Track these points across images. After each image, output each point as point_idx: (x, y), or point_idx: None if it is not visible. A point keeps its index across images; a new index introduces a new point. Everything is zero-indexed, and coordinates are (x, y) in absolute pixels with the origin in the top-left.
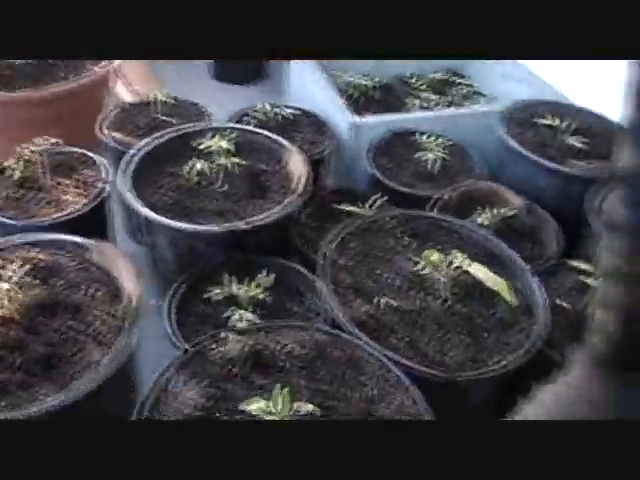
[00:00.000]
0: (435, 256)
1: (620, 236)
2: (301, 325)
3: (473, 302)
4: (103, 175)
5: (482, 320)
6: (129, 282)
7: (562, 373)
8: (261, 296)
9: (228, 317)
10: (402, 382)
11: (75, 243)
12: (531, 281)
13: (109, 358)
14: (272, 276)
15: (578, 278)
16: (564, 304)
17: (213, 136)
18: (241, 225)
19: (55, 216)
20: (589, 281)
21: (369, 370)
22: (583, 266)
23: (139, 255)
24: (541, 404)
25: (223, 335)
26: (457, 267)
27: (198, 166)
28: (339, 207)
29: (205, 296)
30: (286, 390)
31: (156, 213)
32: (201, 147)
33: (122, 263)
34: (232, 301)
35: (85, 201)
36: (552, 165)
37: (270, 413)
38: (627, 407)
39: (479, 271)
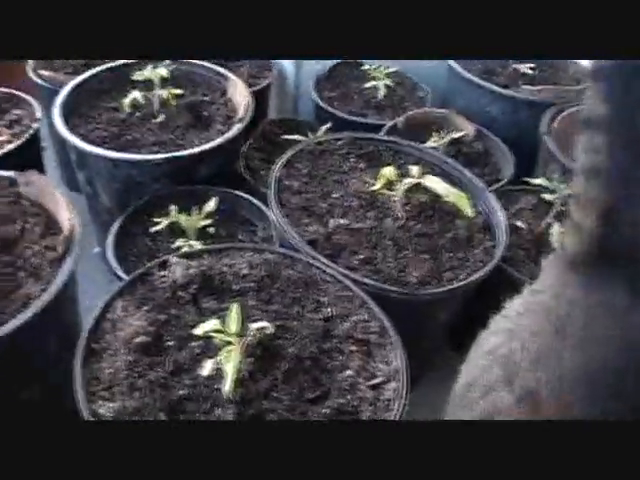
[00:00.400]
0: (390, 170)
1: (599, 132)
2: (252, 247)
3: (429, 221)
4: (35, 114)
5: (439, 238)
6: (62, 212)
7: (527, 286)
8: (209, 227)
9: (174, 250)
10: (361, 300)
11: (3, 177)
12: (490, 200)
13: (46, 291)
14: (216, 200)
15: (530, 199)
16: (519, 224)
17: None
18: (182, 152)
19: None
20: (547, 196)
21: (326, 289)
22: (539, 181)
23: (78, 203)
24: (515, 314)
25: (169, 259)
26: (412, 185)
27: (134, 96)
28: (285, 137)
29: (148, 229)
30: (239, 307)
31: (92, 146)
32: (139, 78)
33: (53, 193)
34: (177, 234)
35: (16, 140)
36: (502, 91)
37: (223, 332)
38: (605, 305)
39: (437, 183)
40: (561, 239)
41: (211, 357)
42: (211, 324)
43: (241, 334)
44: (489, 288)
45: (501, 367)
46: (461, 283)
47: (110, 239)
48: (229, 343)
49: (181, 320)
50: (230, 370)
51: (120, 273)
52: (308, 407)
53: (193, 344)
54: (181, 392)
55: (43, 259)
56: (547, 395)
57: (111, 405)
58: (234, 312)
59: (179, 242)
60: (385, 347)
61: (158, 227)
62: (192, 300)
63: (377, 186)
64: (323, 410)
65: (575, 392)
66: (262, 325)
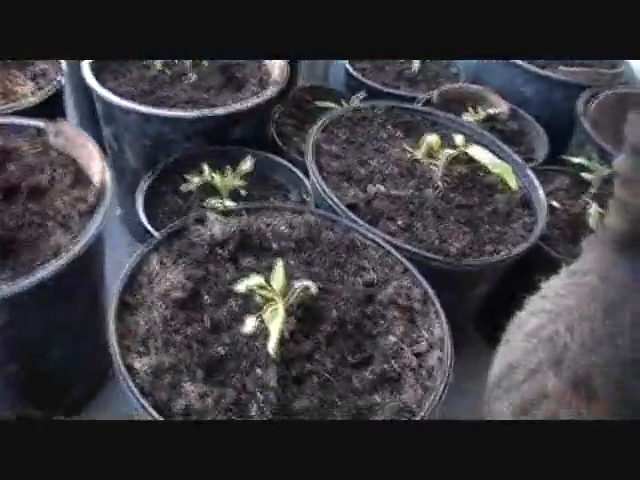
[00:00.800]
0: (434, 138)
1: None
2: (292, 207)
3: (469, 193)
4: (60, 68)
5: (479, 211)
6: (94, 163)
7: (565, 266)
8: (242, 189)
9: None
10: (403, 266)
11: (31, 126)
12: (530, 176)
13: (77, 241)
14: (253, 161)
15: (564, 180)
16: (554, 203)
17: None
18: (218, 110)
19: (6, 107)
20: (585, 176)
21: (367, 254)
22: (579, 160)
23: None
24: (554, 295)
25: (207, 215)
26: (454, 155)
27: None
28: (317, 104)
29: (179, 188)
30: (284, 265)
31: (123, 99)
32: None
33: (84, 144)
34: (208, 194)
35: (40, 93)
36: (538, 71)
37: (267, 289)
38: None
39: (482, 153)
40: (601, 220)
41: (251, 315)
42: (254, 280)
43: (285, 292)
44: (525, 265)
45: (546, 350)
46: (503, 256)
47: (139, 196)
48: (272, 301)
49: (219, 277)
50: (275, 328)
51: (150, 228)
52: (351, 371)
53: (232, 301)
54: (219, 349)
55: (73, 210)
56: (602, 381)
57: (146, 360)
58: (279, 269)
59: (212, 201)
60: (428, 315)
61: (191, 186)
62: (230, 258)
63: (419, 154)
64: (367, 375)
65: (630, 378)
66: (306, 284)
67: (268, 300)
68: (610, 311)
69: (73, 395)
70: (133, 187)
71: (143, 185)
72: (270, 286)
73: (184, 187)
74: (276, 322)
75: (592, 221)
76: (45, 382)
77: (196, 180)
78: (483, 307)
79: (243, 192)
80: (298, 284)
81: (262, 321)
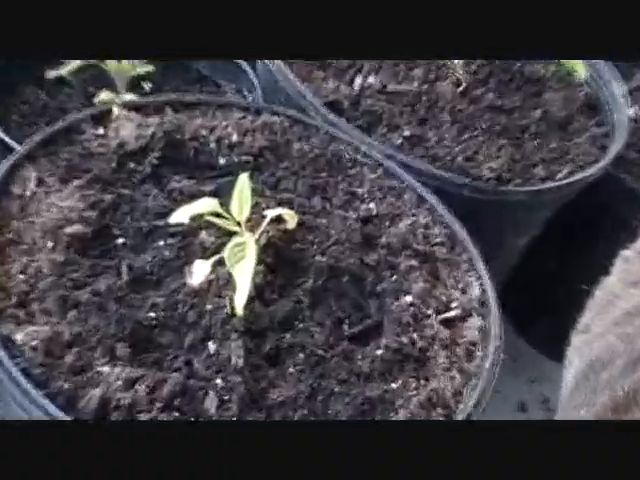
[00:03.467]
0: None
1: None
2: (244, 104)
3: (505, 90)
4: None
5: (522, 117)
6: None
7: None
8: (147, 80)
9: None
10: (417, 195)
11: None
12: (599, 65)
13: None
14: None
15: None
16: (631, 112)
17: None
18: None
19: None
20: None
21: (361, 176)
22: None
23: None
24: None
25: (111, 110)
26: None
27: None
28: None
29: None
30: (248, 180)
31: None
32: None
33: None
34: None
35: None
36: None
37: (225, 218)
38: None
39: None
40: None
41: (201, 259)
42: (204, 205)
43: (252, 226)
44: (594, 201)
45: None
46: (560, 183)
47: None
48: (233, 237)
49: (138, 204)
50: (244, 276)
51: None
52: (353, 346)
53: (160, 242)
54: (149, 314)
55: None
56: None
57: (34, 329)
58: (243, 185)
59: (102, 96)
60: (458, 267)
61: (64, 70)
62: (152, 175)
63: None
64: (376, 351)
65: None
66: (280, 212)
67: (225, 236)
68: None
69: None
70: None
71: None
72: (229, 214)
73: (52, 73)
74: (245, 266)
75: None
76: None
77: (73, 64)
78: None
79: (147, 85)
80: (269, 212)
81: (216, 268)
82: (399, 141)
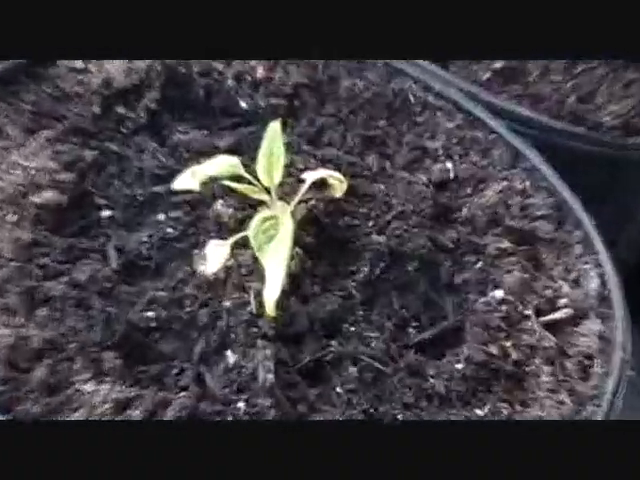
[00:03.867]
0: None
1: None
2: None
3: None
4: None
5: None
6: None
7: None
8: None
9: None
10: (512, 150)
11: None
12: None
13: None
14: None
15: None
16: None
17: None
18: None
19: None
20: None
21: (433, 124)
22: None
23: None
24: None
25: None
26: None
27: None
28: None
29: None
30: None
31: None
32: None
33: None
34: None
35: None
36: None
37: (249, 183)
38: None
39: None
40: None
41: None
42: (220, 164)
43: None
44: None
45: None
46: None
47: None
48: (260, 209)
49: (130, 163)
50: (277, 265)
51: None
52: (423, 358)
53: (161, 215)
54: (146, 314)
55: None
56: None
57: None
58: (273, 138)
59: None
60: (569, 251)
61: None
62: (149, 124)
63: None
64: (455, 365)
65: None
66: (324, 175)
67: (249, 208)
68: None
69: None
70: None
71: None
72: (254, 177)
73: None
74: (277, 249)
75: None
76: None
77: None
78: None
79: None
80: (306, 175)
81: (237, 252)
82: (486, 75)
